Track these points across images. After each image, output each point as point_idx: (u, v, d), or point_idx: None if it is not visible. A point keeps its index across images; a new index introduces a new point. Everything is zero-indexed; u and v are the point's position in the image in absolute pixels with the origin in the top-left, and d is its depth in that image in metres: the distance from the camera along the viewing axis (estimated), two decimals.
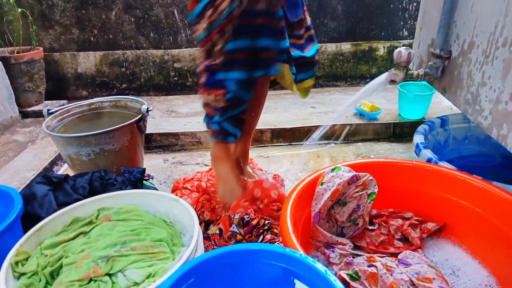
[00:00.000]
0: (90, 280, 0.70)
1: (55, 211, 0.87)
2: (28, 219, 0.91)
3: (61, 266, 0.74)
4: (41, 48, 2.04)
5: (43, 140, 1.62)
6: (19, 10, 1.95)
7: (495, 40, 0.92)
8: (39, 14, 2.14)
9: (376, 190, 0.93)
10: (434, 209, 0.97)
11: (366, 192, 0.93)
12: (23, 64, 1.90)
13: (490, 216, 0.86)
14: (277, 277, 0.61)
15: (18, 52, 1.95)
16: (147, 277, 0.71)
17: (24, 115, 1.93)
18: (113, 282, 0.71)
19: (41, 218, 0.82)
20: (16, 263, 0.71)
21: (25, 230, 0.79)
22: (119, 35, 2.22)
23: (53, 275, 0.73)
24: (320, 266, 0.57)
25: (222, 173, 1.11)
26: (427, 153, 1.14)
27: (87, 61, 2.25)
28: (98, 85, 2.31)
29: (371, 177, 0.93)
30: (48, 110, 1.33)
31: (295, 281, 0.60)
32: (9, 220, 0.79)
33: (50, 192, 1.02)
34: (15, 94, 1.85)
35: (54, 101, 2.08)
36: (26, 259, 0.74)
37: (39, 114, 1.93)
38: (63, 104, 1.86)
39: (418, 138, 1.25)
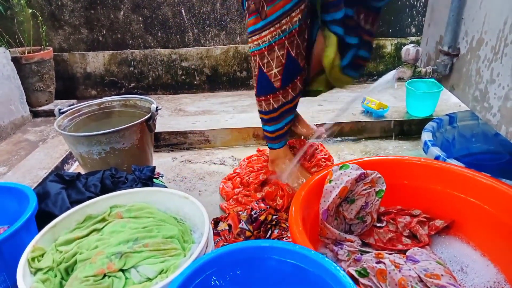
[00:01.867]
0: (104, 275, 0.72)
1: (68, 208, 0.89)
2: (42, 217, 0.93)
3: (75, 262, 0.76)
4: (51, 48, 2.07)
5: (54, 139, 1.65)
6: (30, 11, 1.98)
7: (504, 37, 0.92)
8: (49, 14, 2.16)
9: (384, 188, 0.94)
10: (442, 207, 0.98)
11: (374, 189, 0.94)
12: (34, 64, 1.93)
13: (499, 213, 0.86)
14: (287, 273, 0.63)
15: (28, 53, 1.98)
16: (160, 273, 0.72)
17: (35, 114, 1.96)
18: (126, 278, 0.72)
19: (55, 216, 0.84)
20: (32, 259, 0.73)
21: (39, 227, 0.81)
22: (127, 34, 2.25)
23: (68, 271, 0.75)
24: (329, 263, 0.58)
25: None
26: (435, 151, 1.14)
27: (96, 61, 2.28)
28: (107, 84, 2.34)
29: (379, 175, 0.94)
30: (60, 109, 1.35)
31: (305, 277, 0.61)
32: (25, 217, 0.81)
33: (63, 190, 1.04)
34: (25, 93, 1.88)
35: (64, 101, 2.11)
36: (42, 255, 0.76)
37: (49, 114, 1.96)
38: (73, 104, 1.89)
39: (426, 136, 1.25)
